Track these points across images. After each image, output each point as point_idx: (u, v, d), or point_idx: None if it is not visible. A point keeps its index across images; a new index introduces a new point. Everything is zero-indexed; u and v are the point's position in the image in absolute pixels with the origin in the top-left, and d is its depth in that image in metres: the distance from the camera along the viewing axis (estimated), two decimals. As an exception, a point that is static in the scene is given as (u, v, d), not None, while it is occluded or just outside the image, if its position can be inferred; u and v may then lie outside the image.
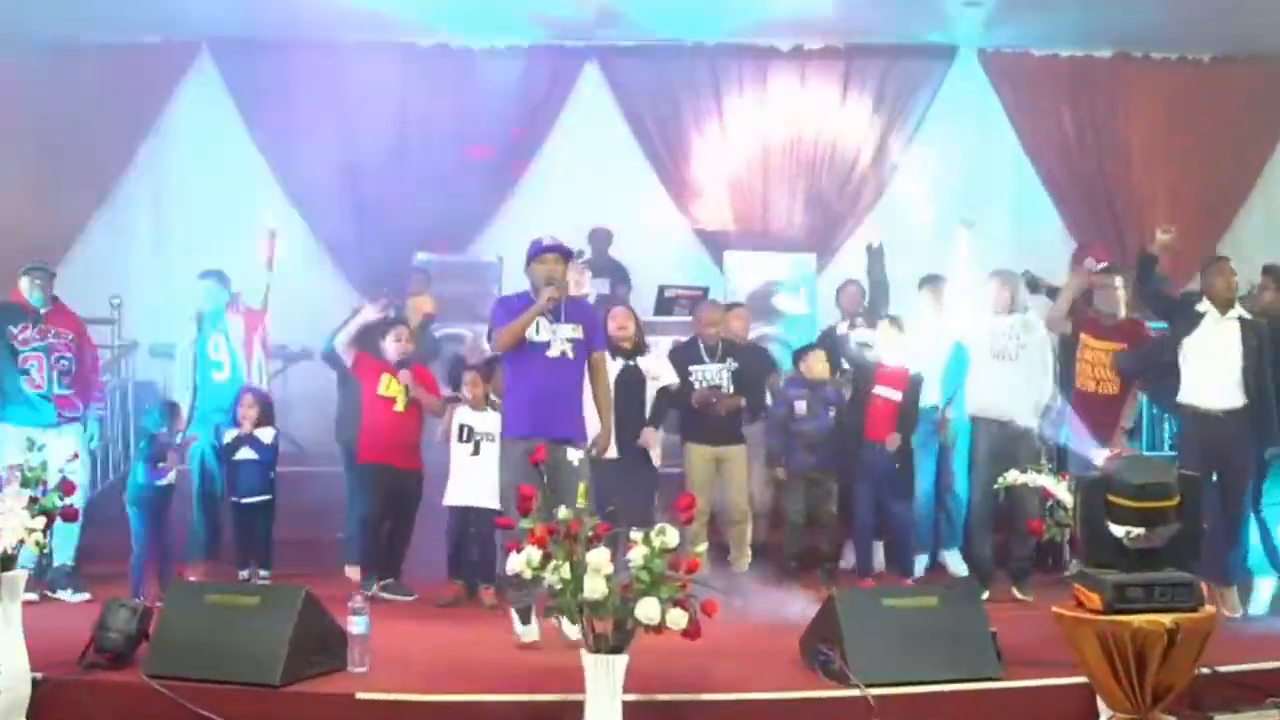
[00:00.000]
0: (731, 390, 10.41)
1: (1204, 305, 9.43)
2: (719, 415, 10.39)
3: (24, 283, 9.84)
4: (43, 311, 9.76)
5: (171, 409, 10.15)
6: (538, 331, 8.38)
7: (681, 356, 10.65)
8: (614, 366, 8.78)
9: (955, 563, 10.85)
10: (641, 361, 10.10)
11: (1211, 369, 9.24)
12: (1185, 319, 9.47)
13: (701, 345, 10.61)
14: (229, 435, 10.33)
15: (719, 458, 10.36)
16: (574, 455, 8.25)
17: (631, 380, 10.00)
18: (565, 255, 8.65)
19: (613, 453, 8.91)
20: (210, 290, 10.49)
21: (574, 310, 8.59)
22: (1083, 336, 10.33)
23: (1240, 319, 9.28)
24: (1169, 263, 10.26)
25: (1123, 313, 10.32)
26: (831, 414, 10.71)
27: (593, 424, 8.65)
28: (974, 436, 10.35)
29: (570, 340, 8.44)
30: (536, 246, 8.66)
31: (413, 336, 10.38)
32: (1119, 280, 10.38)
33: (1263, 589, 9.51)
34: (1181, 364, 9.41)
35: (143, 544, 9.86)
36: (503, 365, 8.95)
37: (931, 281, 11.00)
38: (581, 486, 6.87)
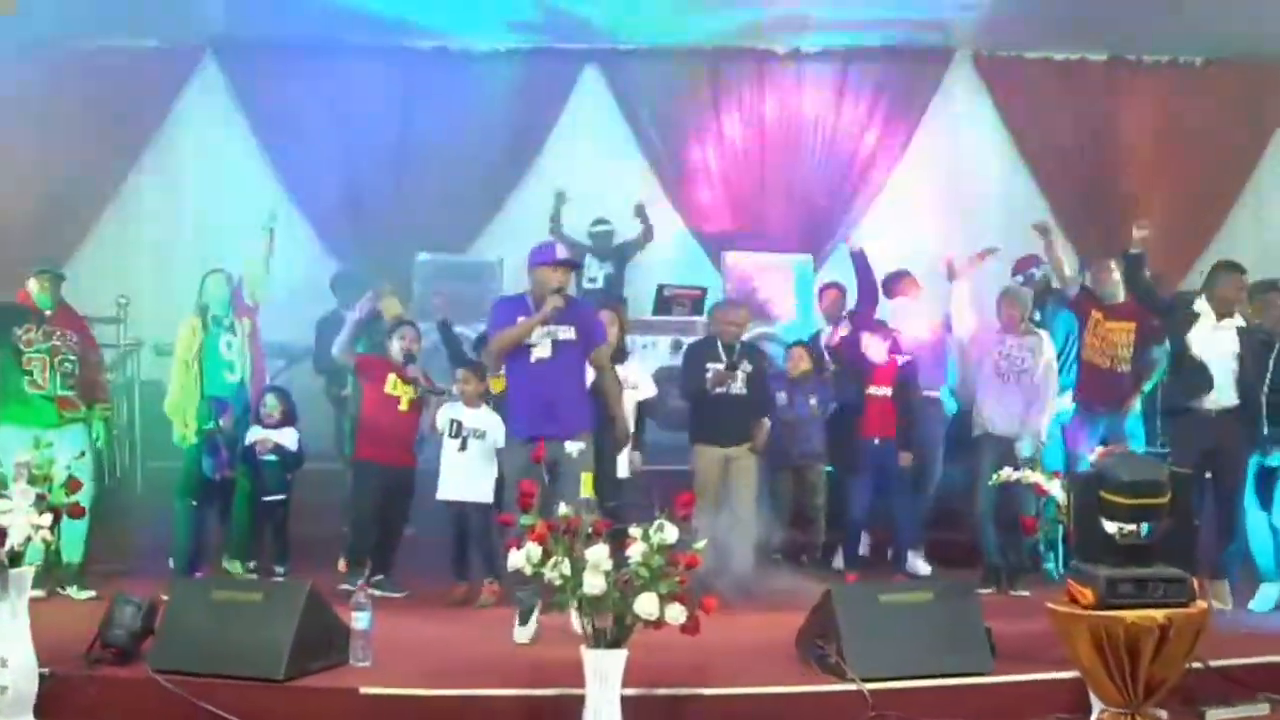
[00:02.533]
0: (744, 393, 10.35)
1: (1200, 306, 9.48)
2: (730, 415, 10.35)
3: (32, 284, 9.83)
4: (48, 313, 9.75)
5: (222, 405, 10.25)
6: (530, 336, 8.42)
7: (698, 354, 10.57)
8: (563, 330, 8.65)
9: (919, 564, 10.90)
10: (620, 370, 9.76)
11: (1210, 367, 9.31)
12: (1180, 318, 9.54)
13: (720, 344, 10.47)
14: (252, 435, 10.42)
15: (728, 458, 10.29)
16: (573, 448, 8.24)
17: None
18: (574, 268, 8.72)
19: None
20: (218, 289, 10.47)
21: (568, 312, 8.54)
22: (1093, 313, 10.47)
23: (1238, 328, 9.35)
24: (1158, 260, 10.34)
25: (1122, 296, 10.41)
26: (813, 402, 10.77)
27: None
28: (980, 452, 10.39)
29: (560, 341, 8.44)
30: (547, 254, 8.66)
31: (419, 337, 10.36)
32: (1114, 265, 10.52)
33: (1270, 590, 9.51)
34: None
35: (189, 537, 10.03)
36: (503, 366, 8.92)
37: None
38: (586, 477, 6.91)
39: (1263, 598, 9.41)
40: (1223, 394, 9.29)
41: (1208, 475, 9.30)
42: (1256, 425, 9.20)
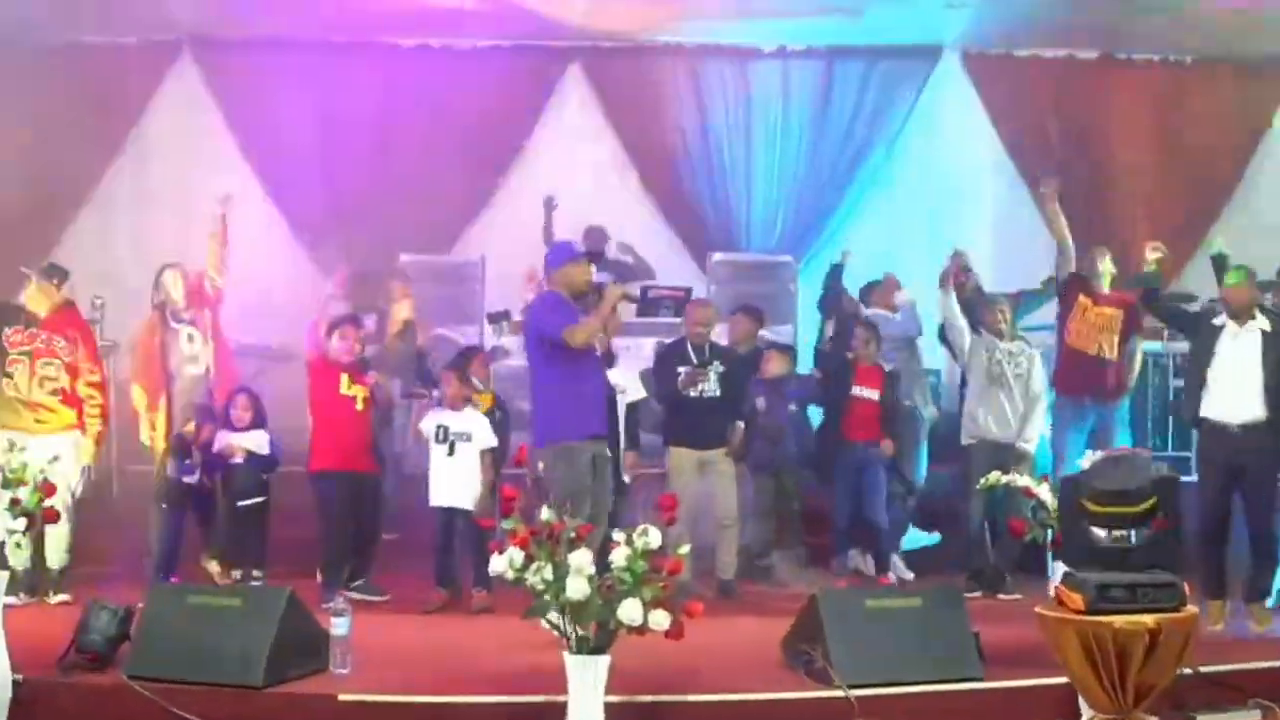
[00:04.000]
0: (718, 394, 10.36)
1: (1221, 319, 9.11)
2: (704, 417, 10.34)
3: (31, 284, 9.79)
4: (41, 315, 9.69)
5: (199, 410, 10.20)
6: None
7: (669, 356, 10.61)
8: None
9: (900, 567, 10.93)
10: (609, 374, 9.83)
11: (1231, 382, 8.91)
12: (1204, 334, 9.19)
13: (689, 346, 10.49)
14: (220, 440, 10.36)
15: (703, 461, 10.29)
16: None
17: None
18: (598, 259, 8.89)
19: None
20: (174, 283, 10.36)
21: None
22: (1080, 299, 10.54)
23: (1262, 331, 8.91)
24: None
25: (1107, 286, 10.56)
26: (792, 408, 10.82)
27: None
28: (970, 457, 10.41)
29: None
30: (571, 252, 9.17)
31: (360, 336, 10.26)
32: (1105, 253, 10.68)
33: None
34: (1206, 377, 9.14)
35: (168, 540, 9.98)
36: (536, 367, 8.97)
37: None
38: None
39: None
40: (1247, 407, 8.87)
41: (1236, 496, 8.99)
42: None
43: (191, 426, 10.10)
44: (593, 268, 8.78)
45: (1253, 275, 9.18)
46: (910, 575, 10.72)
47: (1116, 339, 10.42)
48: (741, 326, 11.21)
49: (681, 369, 10.33)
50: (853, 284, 12.18)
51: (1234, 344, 8.97)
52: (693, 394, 10.24)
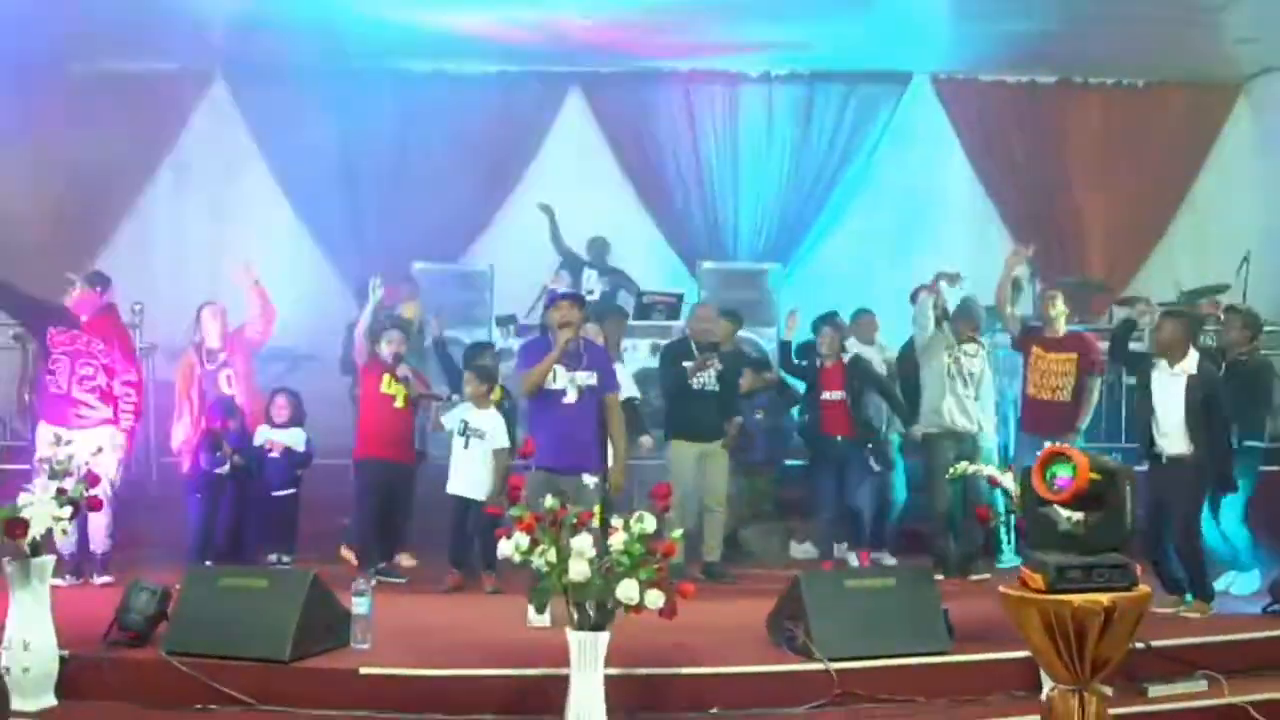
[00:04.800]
0: (716, 389, 10.39)
1: (1157, 361, 9.16)
2: (704, 411, 10.34)
3: (76, 289, 9.78)
4: (83, 319, 9.68)
5: (226, 406, 10.20)
6: (555, 379, 8.69)
7: (675, 352, 10.63)
8: (584, 376, 8.80)
9: (881, 557, 10.89)
10: None
11: (1160, 419, 9.02)
12: (1143, 374, 9.28)
13: (693, 343, 10.54)
14: (260, 435, 10.40)
15: (703, 453, 10.30)
16: (589, 480, 8.47)
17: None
18: (579, 301, 8.96)
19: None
20: (211, 322, 10.36)
21: (590, 357, 8.89)
22: (1034, 349, 10.46)
23: (1188, 375, 8.93)
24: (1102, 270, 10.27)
25: (1062, 328, 10.44)
26: (759, 417, 11.12)
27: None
28: (932, 449, 10.42)
29: (585, 386, 8.76)
30: (551, 295, 9.23)
31: (404, 340, 10.39)
32: (1059, 296, 10.56)
33: (1243, 577, 9.60)
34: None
35: (200, 527, 9.97)
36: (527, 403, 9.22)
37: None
38: (597, 507, 6.98)
39: (1241, 584, 9.52)
40: (1172, 441, 8.95)
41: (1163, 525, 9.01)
42: (1203, 475, 8.96)
43: (219, 423, 10.11)
44: (571, 310, 8.73)
45: (1185, 322, 9.26)
46: (893, 562, 10.65)
47: (1069, 381, 10.30)
48: (721, 328, 11.20)
49: (685, 364, 10.36)
50: (832, 298, 12.03)
51: (1162, 384, 9.05)
52: (695, 385, 10.30)
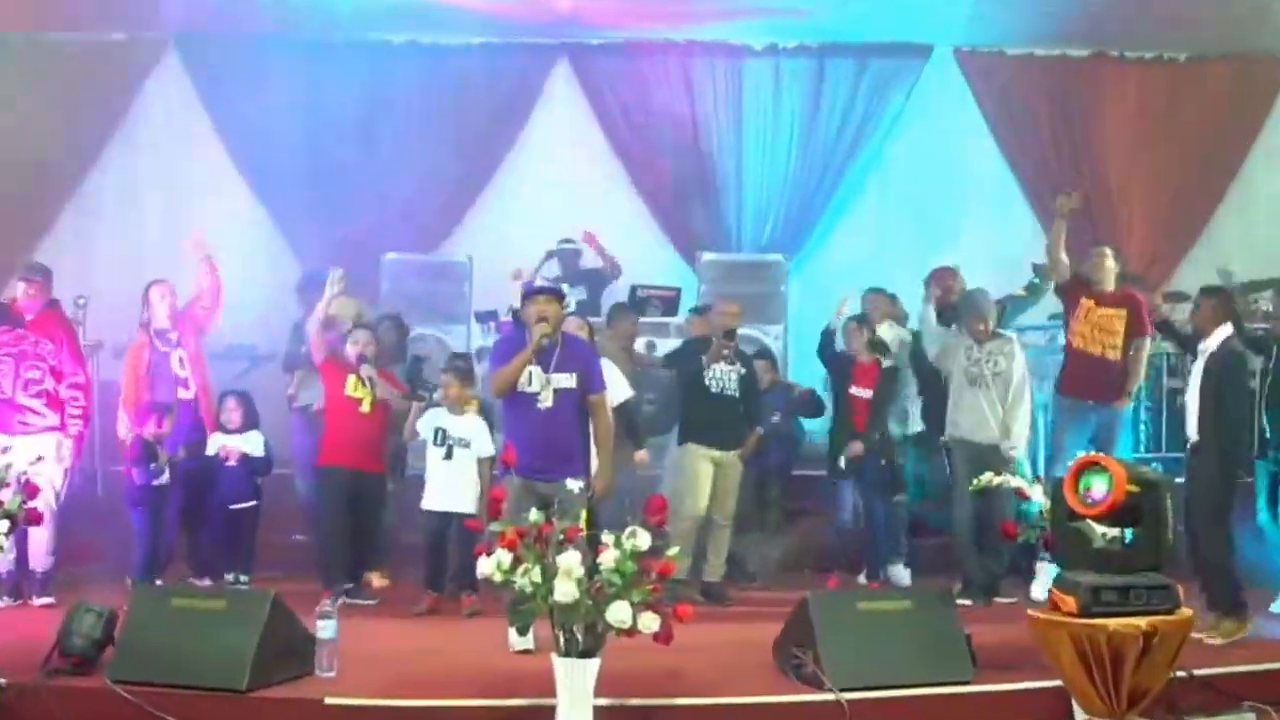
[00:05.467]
0: (738, 395, 10.39)
1: (1201, 343, 9.16)
2: (722, 416, 10.33)
3: (18, 287, 9.78)
4: (27, 318, 9.68)
5: (158, 410, 10.17)
6: (530, 382, 8.61)
7: (694, 349, 10.60)
8: (564, 378, 8.80)
9: (900, 576, 10.89)
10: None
11: (1187, 402, 9.12)
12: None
13: (714, 340, 10.47)
14: (214, 443, 10.41)
15: (719, 462, 10.29)
16: (573, 485, 8.32)
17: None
18: (556, 295, 8.89)
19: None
20: (161, 302, 10.38)
21: (568, 357, 8.74)
22: (1083, 301, 10.52)
23: (1209, 353, 8.96)
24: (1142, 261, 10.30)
25: (1112, 285, 10.51)
26: (776, 419, 11.03)
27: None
28: (952, 459, 10.41)
29: (562, 389, 8.66)
30: (527, 287, 9.13)
31: (372, 340, 10.34)
32: (1108, 252, 10.66)
33: None
34: None
35: (145, 543, 9.97)
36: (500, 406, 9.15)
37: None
38: (583, 513, 6.96)
39: None
40: (1190, 426, 9.00)
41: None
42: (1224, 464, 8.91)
43: (152, 429, 10.08)
44: (548, 305, 8.70)
45: (1220, 297, 9.26)
46: (908, 583, 10.65)
47: (1120, 340, 10.38)
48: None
49: (703, 356, 10.37)
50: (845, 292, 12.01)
51: (1195, 369, 9.12)
52: (715, 389, 10.29)
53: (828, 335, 11.26)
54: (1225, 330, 8.99)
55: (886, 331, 11.18)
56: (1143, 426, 12.31)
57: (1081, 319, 10.48)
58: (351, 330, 10.35)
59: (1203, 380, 8.88)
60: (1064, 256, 10.72)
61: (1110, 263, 10.53)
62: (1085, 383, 10.41)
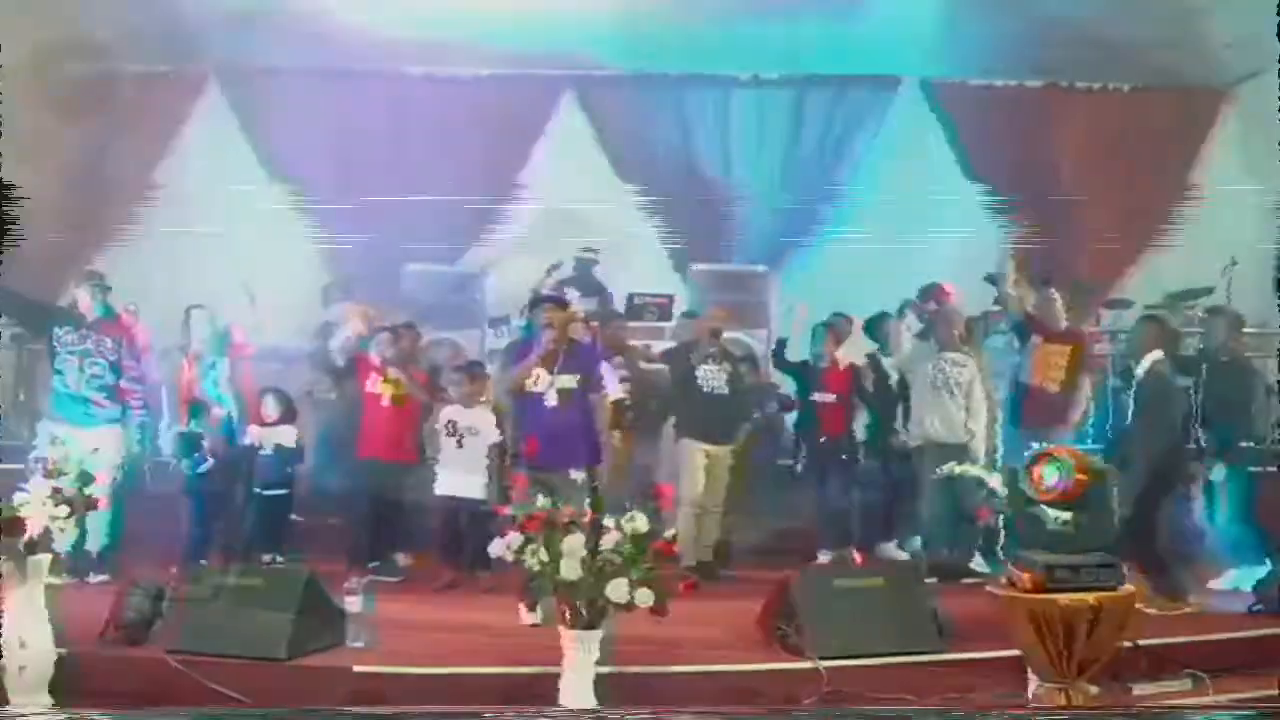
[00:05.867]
0: (728, 393, 10.39)
1: None
2: (714, 413, 10.33)
3: (82, 293, 9.85)
4: (90, 319, 9.74)
5: (199, 407, 10.31)
6: (536, 383, 8.95)
7: (685, 352, 10.64)
8: (565, 379, 8.94)
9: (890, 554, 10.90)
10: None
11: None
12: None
13: (702, 343, 10.54)
14: (251, 434, 10.44)
15: (712, 455, 10.30)
16: (576, 475, 8.50)
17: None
18: (561, 304, 9.09)
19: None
20: (200, 327, 10.54)
21: (573, 361, 9.04)
22: (1033, 337, 10.47)
23: (1138, 377, 9.34)
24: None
25: (1063, 323, 10.48)
26: (756, 415, 10.96)
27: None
28: (920, 463, 10.38)
29: (565, 390, 8.97)
30: (535, 297, 9.54)
31: (393, 341, 10.38)
32: (1057, 296, 10.59)
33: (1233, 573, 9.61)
34: None
35: (198, 528, 10.05)
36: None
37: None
38: (589, 500, 7.01)
39: (1245, 579, 9.44)
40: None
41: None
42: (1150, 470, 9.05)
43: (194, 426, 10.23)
44: (556, 312, 9.11)
45: (1153, 326, 9.73)
46: (904, 555, 10.70)
47: (1063, 375, 10.32)
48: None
49: (692, 357, 10.43)
50: (826, 300, 12.02)
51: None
52: (706, 388, 10.30)
53: (781, 344, 11.30)
54: (1155, 355, 9.26)
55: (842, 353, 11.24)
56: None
57: (1033, 354, 10.45)
58: (378, 333, 10.37)
59: (1135, 394, 9.19)
60: (1014, 292, 10.69)
61: (1059, 306, 10.51)
62: (1038, 415, 10.30)
